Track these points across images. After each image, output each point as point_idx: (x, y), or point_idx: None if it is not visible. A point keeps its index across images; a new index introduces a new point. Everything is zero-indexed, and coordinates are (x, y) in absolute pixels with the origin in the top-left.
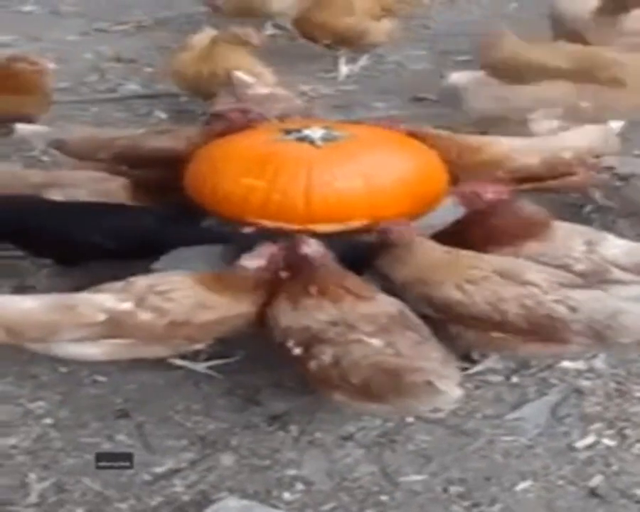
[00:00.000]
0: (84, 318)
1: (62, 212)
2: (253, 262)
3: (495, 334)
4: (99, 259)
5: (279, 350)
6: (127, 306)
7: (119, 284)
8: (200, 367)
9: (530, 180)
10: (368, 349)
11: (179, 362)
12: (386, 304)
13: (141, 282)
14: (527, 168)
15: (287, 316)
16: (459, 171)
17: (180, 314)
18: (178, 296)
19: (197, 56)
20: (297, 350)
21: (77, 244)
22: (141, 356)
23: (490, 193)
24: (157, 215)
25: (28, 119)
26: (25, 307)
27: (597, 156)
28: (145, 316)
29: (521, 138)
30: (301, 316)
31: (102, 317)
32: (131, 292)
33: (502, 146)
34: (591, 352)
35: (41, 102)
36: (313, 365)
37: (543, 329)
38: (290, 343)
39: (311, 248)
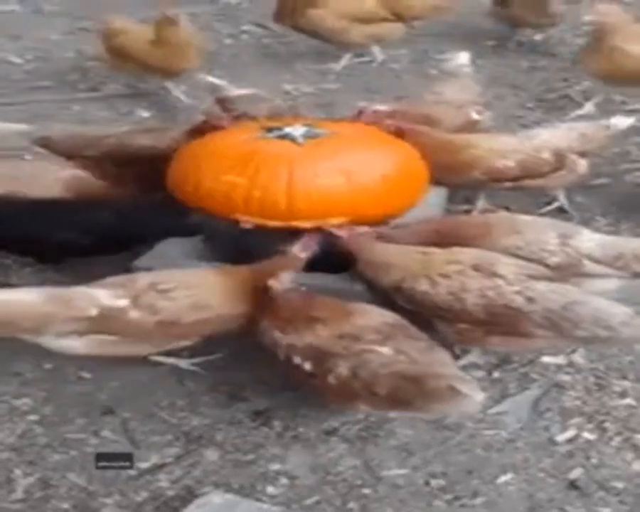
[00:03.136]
0: (77, 312)
1: (33, 212)
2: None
3: (461, 326)
4: (77, 255)
5: (284, 366)
6: (122, 303)
7: (121, 278)
8: (184, 363)
9: (508, 180)
10: (383, 358)
11: (162, 359)
12: (379, 314)
13: (143, 279)
14: (503, 170)
15: (287, 335)
16: (435, 169)
17: (171, 314)
18: (179, 295)
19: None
20: (307, 366)
21: (51, 243)
22: (123, 354)
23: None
24: (127, 210)
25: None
26: (21, 299)
27: (582, 154)
28: (135, 314)
29: (501, 138)
30: (301, 334)
31: (94, 312)
32: (131, 288)
33: (480, 147)
34: (560, 346)
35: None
36: (331, 378)
37: (501, 319)
38: (297, 360)
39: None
